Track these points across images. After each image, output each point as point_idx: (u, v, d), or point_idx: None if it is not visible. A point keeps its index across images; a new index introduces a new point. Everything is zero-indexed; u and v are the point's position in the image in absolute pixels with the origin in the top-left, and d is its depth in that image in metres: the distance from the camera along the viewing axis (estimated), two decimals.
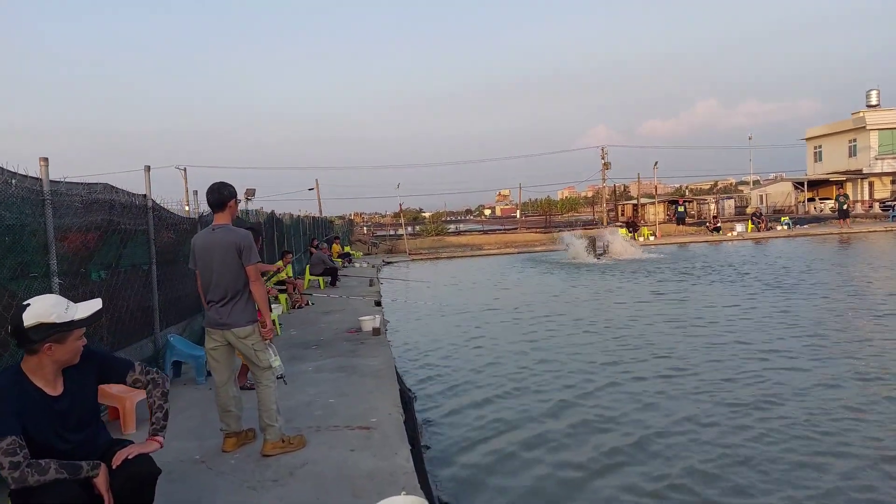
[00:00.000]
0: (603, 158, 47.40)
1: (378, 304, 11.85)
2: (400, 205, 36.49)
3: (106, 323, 5.53)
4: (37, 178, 4.48)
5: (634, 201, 53.98)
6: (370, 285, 15.83)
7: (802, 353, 7.86)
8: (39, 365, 2.33)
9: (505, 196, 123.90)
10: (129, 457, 2.39)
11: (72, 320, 2.32)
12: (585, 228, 37.20)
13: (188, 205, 9.51)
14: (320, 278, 15.92)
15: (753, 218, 34.59)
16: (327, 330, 9.14)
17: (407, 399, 5.56)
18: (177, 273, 7.43)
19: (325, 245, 22.04)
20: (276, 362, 4.17)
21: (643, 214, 50.47)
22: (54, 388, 2.39)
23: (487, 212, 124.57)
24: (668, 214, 48.85)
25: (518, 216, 50.55)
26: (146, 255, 6.47)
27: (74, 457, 2.35)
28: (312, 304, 12.26)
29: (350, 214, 54.75)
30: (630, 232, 30.31)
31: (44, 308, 2.26)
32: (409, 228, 44.31)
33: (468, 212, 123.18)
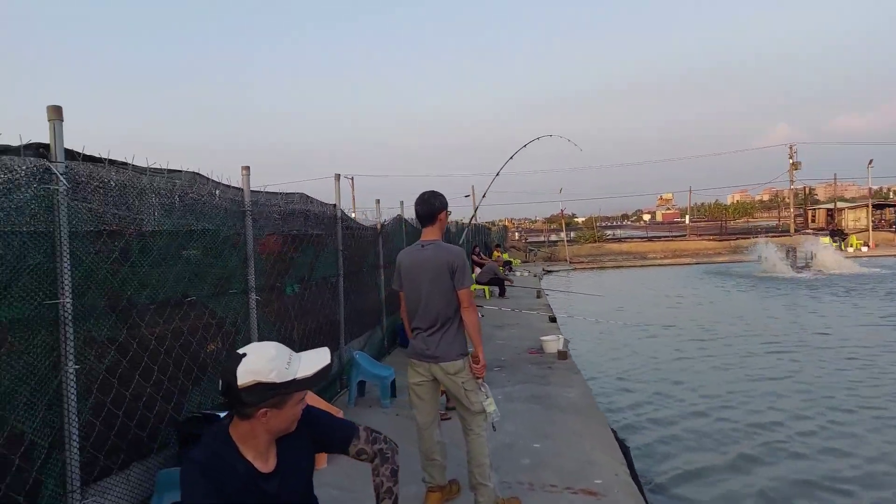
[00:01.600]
0: (791, 158, 41.92)
1: (553, 319, 10.95)
2: (562, 210, 35.18)
3: (297, 338, 5.29)
4: (238, 189, 4.25)
5: (829, 205, 47.17)
6: (537, 297, 15.01)
7: None
8: (251, 433, 1.78)
9: (667, 200, 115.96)
10: None
11: (293, 379, 1.73)
12: (770, 236, 33.01)
13: (354, 212, 9.47)
14: (486, 287, 15.40)
15: None
16: (506, 348, 8.43)
17: (623, 450, 4.60)
18: (359, 284, 7.19)
19: (499, 257, 21.79)
20: (491, 406, 3.46)
21: (840, 221, 43.90)
22: (265, 463, 1.82)
23: (647, 217, 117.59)
24: (873, 220, 41.89)
25: (687, 222, 46.45)
26: (334, 266, 6.21)
27: None
28: (482, 315, 11.69)
29: (503, 220, 54.30)
30: (835, 241, 26.06)
31: (262, 362, 1.69)
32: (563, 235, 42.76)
33: (624, 216, 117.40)
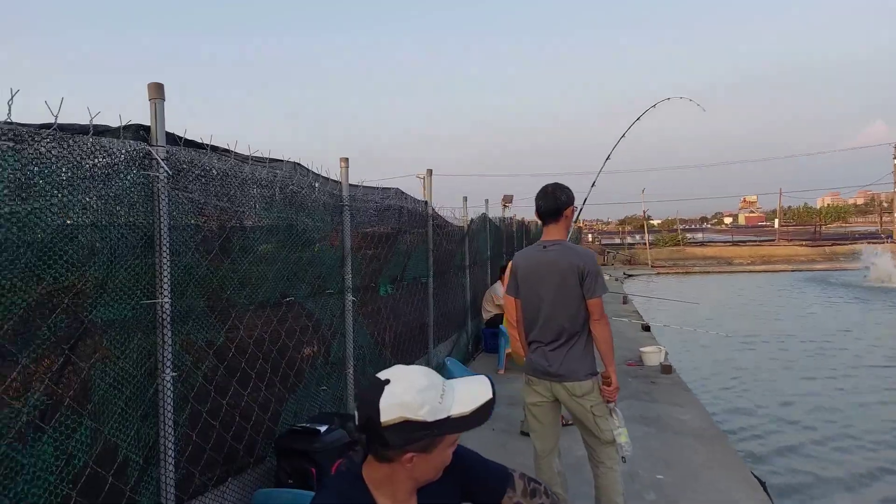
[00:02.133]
0: None
1: (647, 328, 10.21)
2: (644, 211, 33.68)
3: (389, 341, 4.97)
4: (336, 182, 3.96)
5: None
6: (623, 303, 14.20)
7: None
8: (390, 478, 1.38)
9: (751, 203, 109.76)
10: None
11: (447, 417, 1.32)
12: (869, 242, 30.33)
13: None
14: None
15: None
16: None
17: (762, 486, 3.98)
18: (447, 285, 6.83)
19: None
20: (623, 437, 2.98)
21: None
22: None
23: (728, 220, 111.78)
24: None
25: (776, 226, 43.56)
26: (425, 266, 5.87)
27: None
28: None
29: (576, 222, 52.50)
30: None
31: (411, 393, 1.29)
32: (640, 237, 41.03)
33: (703, 220, 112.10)
